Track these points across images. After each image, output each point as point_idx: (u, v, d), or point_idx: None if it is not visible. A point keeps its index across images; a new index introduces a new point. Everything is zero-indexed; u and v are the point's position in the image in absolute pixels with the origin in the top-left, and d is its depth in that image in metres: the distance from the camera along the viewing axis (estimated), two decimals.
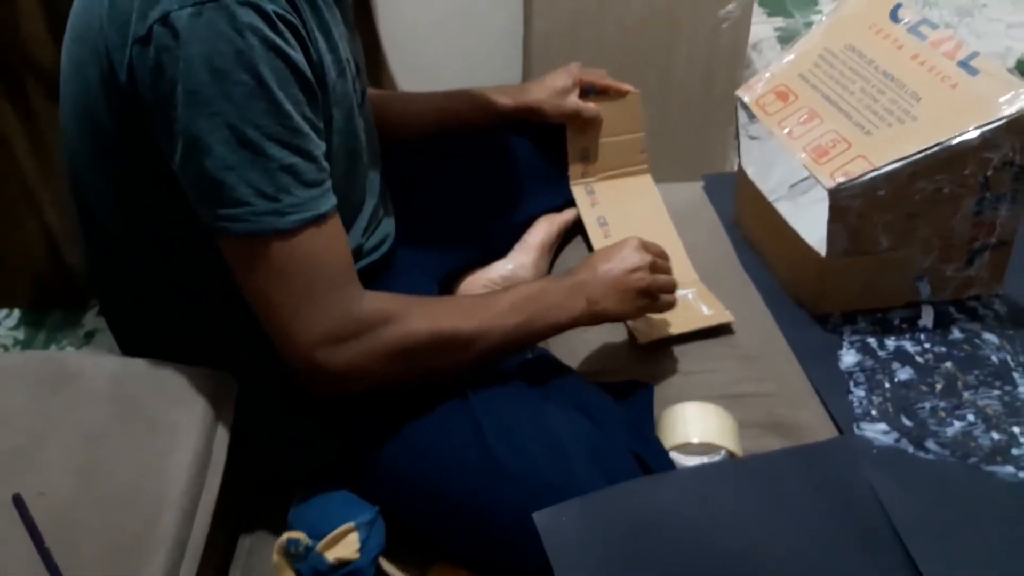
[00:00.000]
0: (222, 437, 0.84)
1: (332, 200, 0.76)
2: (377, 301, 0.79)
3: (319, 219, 0.74)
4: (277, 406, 0.90)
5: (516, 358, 1.02)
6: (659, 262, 0.94)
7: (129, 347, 0.94)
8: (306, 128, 0.73)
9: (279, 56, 0.70)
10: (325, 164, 0.76)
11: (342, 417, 0.88)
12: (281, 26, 0.70)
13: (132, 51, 0.70)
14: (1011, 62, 2.37)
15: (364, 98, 0.94)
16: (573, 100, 1.19)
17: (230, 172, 0.70)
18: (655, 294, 0.92)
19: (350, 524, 0.83)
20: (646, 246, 0.93)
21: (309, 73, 0.74)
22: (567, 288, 0.89)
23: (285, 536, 0.83)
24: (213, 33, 0.67)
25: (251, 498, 0.94)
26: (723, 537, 0.80)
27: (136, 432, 0.81)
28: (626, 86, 1.24)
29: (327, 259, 0.76)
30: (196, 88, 0.68)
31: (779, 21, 2.51)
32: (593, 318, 0.90)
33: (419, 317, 0.80)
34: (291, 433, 0.91)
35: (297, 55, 0.72)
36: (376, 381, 0.81)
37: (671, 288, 0.94)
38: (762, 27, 2.46)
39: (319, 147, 0.75)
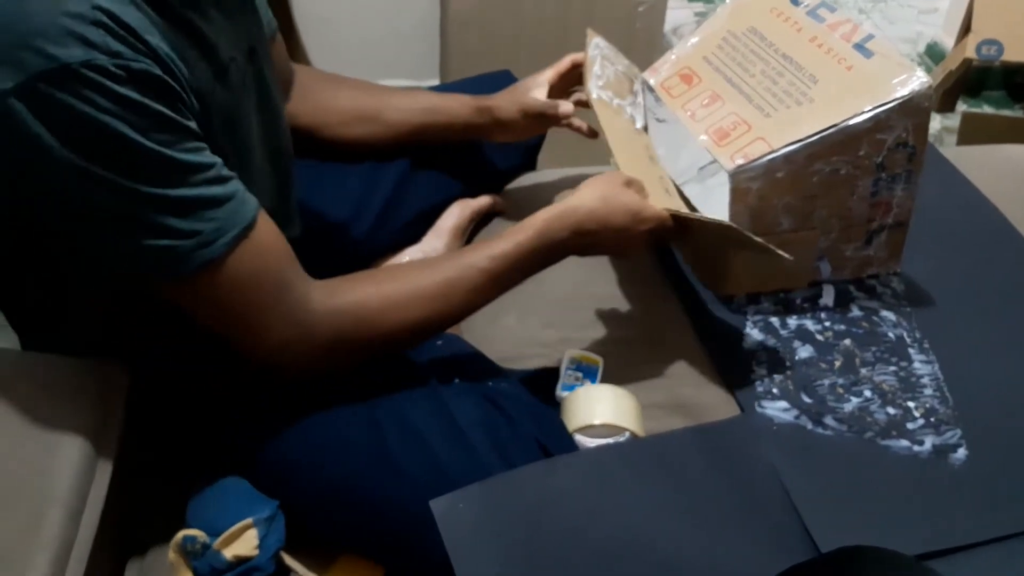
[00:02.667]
0: (112, 432, 0.81)
1: (252, 201, 0.73)
2: (331, 298, 0.78)
3: (247, 229, 0.72)
4: (176, 398, 0.88)
5: (424, 345, 1.02)
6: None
7: (29, 341, 0.91)
8: (193, 157, 0.69)
9: (136, 108, 0.64)
10: (227, 172, 0.72)
11: (240, 409, 0.86)
12: (124, 76, 0.64)
13: None
14: (922, 47, 2.44)
15: (267, 84, 0.88)
16: (532, 97, 1.09)
17: (139, 230, 0.67)
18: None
19: (248, 520, 0.81)
20: (658, 228, 0.90)
21: (181, 105, 0.69)
22: (551, 251, 0.87)
23: (181, 533, 0.81)
24: (58, 110, 0.62)
25: (148, 494, 0.91)
26: (623, 517, 0.81)
27: (20, 428, 0.78)
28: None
29: (267, 264, 0.74)
30: (63, 168, 0.64)
31: (699, 6, 2.54)
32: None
33: (379, 312, 0.80)
34: (189, 425, 0.89)
35: (161, 93, 0.66)
36: (350, 368, 0.82)
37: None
38: (682, 12, 2.48)
39: (215, 159, 0.71)
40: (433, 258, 0.86)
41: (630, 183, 0.91)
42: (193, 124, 0.70)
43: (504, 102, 1.12)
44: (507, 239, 0.86)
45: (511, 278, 0.86)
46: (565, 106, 1.09)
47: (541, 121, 1.12)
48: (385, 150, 1.14)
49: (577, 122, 1.14)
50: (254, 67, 0.85)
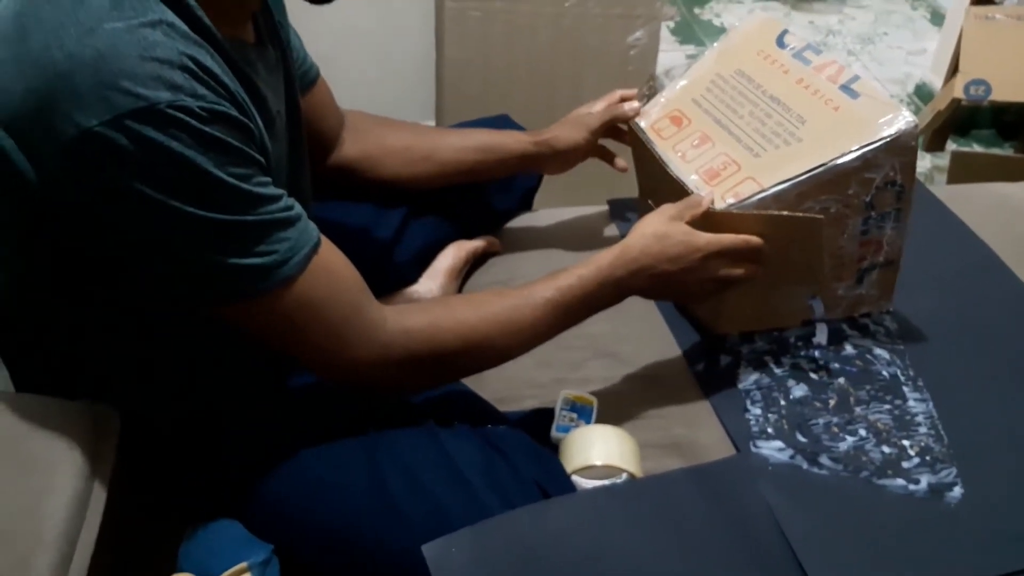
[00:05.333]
0: (103, 474, 0.81)
1: (313, 224, 0.77)
2: (404, 319, 0.81)
3: (316, 247, 0.76)
4: (169, 439, 0.88)
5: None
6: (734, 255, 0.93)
7: (21, 381, 0.91)
8: (265, 190, 0.72)
9: (217, 146, 0.67)
10: (291, 200, 0.75)
11: (235, 451, 0.86)
12: (207, 116, 0.67)
13: (48, 157, 0.66)
14: (911, 87, 2.47)
15: (299, 139, 0.92)
16: (584, 133, 1.15)
17: (217, 256, 0.70)
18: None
19: (243, 564, 0.80)
20: (717, 251, 0.91)
21: (253, 143, 0.72)
22: (613, 290, 0.90)
23: None
24: (144, 145, 0.64)
25: (140, 536, 0.90)
26: (618, 560, 0.80)
27: (8, 471, 0.77)
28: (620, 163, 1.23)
29: (340, 284, 0.78)
30: (144, 201, 0.66)
31: (690, 48, 2.58)
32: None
33: (449, 332, 0.83)
34: (183, 466, 0.88)
35: (239, 132, 0.70)
36: (423, 387, 0.89)
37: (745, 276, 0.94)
38: (674, 54, 2.52)
39: (281, 191, 0.75)
40: (503, 289, 0.89)
41: (681, 215, 0.93)
42: (263, 160, 0.74)
43: (563, 132, 1.16)
44: (572, 273, 0.90)
45: (574, 312, 0.90)
46: (630, 105, 1.14)
47: (603, 135, 1.17)
48: (438, 188, 1.18)
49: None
50: (290, 122, 0.88)
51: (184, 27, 0.68)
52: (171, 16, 0.67)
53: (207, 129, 0.66)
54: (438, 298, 1.08)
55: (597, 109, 1.17)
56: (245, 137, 0.71)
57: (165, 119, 0.64)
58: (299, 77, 1.00)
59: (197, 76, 0.66)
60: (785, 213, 0.93)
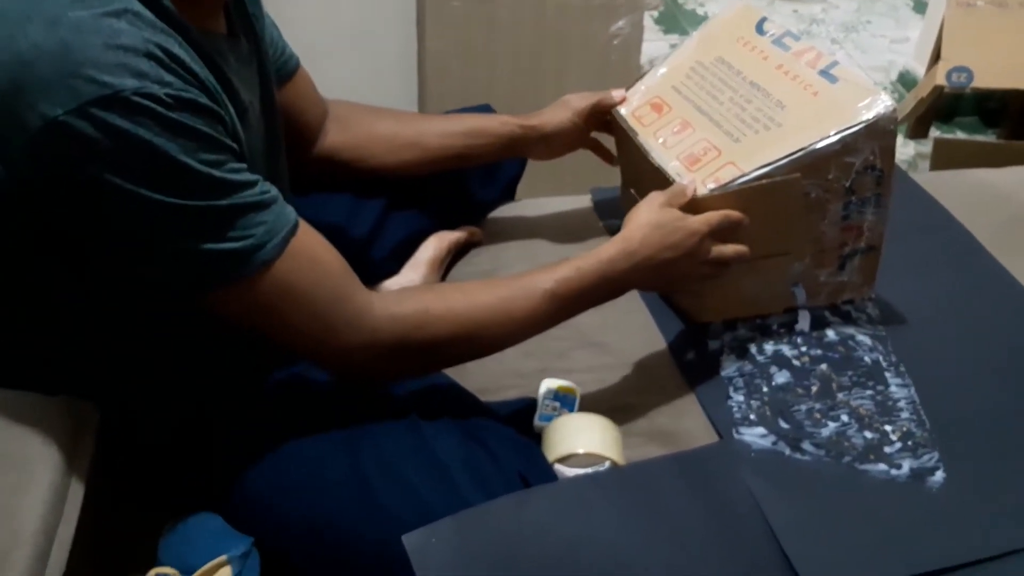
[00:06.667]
0: (81, 470, 0.80)
1: (290, 206, 0.76)
2: (393, 305, 0.81)
3: (294, 229, 0.75)
4: (149, 435, 0.87)
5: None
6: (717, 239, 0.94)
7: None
8: (238, 176, 0.71)
9: (186, 132, 0.67)
10: (267, 185, 0.75)
11: (215, 444, 0.85)
12: (174, 103, 0.66)
13: (15, 148, 0.65)
14: (894, 75, 2.48)
15: (274, 132, 0.91)
16: (570, 115, 1.15)
17: (193, 243, 0.69)
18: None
19: (222, 557, 0.80)
20: (709, 231, 0.92)
21: (224, 129, 0.71)
22: (614, 283, 0.90)
23: (153, 572, 0.80)
24: (110, 133, 0.63)
25: (119, 531, 0.89)
26: (601, 548, 0.79)
27: None
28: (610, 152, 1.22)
29: (323, 269, 0.77)
30: (114, 191, 0.65)
31: (674, 38, 2.58)
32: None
33: (439, 319, 0.82)
34: (163, 462, 0.88)
35: (209, 118, 0.69)
36: (413, 374, 0.88)
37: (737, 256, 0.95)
38: (658, 44, 2.51)
39: (256, 176, 0.74)
40: (496, 278, 0.88)
41: (670, 203, 0.93)
42: (236, 147, 0.73)
43: (549, 114, 1.16)
44: (570, 264, 0.89)
45: (572, 304, 0.89)
46: (617, 92, 1.13)
47: (590, 122, 1.16)
48: (426, 175, 1.17)
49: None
50: (264, 114, 0.88)
51: (150, 16, 0.67)
52: (136, 5, 0.66)
53: (174, 116, 0.65)
54: (429, 285, 1.07)
55: (587, 95, 1.17)
56: (215, 123, 0.70)
57: (131, 106, 0.63)
58: (278, 68, 0.99)
59: (163, 63, 0.66)
60: (764, 182, 0.94)
